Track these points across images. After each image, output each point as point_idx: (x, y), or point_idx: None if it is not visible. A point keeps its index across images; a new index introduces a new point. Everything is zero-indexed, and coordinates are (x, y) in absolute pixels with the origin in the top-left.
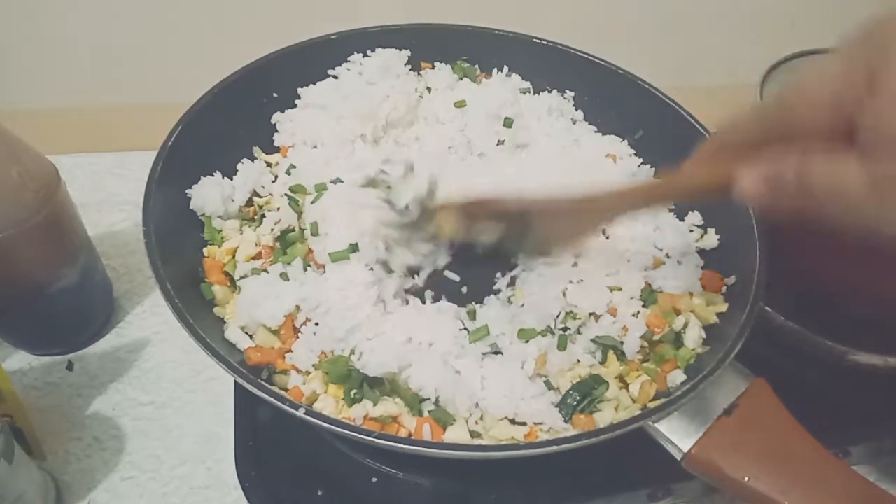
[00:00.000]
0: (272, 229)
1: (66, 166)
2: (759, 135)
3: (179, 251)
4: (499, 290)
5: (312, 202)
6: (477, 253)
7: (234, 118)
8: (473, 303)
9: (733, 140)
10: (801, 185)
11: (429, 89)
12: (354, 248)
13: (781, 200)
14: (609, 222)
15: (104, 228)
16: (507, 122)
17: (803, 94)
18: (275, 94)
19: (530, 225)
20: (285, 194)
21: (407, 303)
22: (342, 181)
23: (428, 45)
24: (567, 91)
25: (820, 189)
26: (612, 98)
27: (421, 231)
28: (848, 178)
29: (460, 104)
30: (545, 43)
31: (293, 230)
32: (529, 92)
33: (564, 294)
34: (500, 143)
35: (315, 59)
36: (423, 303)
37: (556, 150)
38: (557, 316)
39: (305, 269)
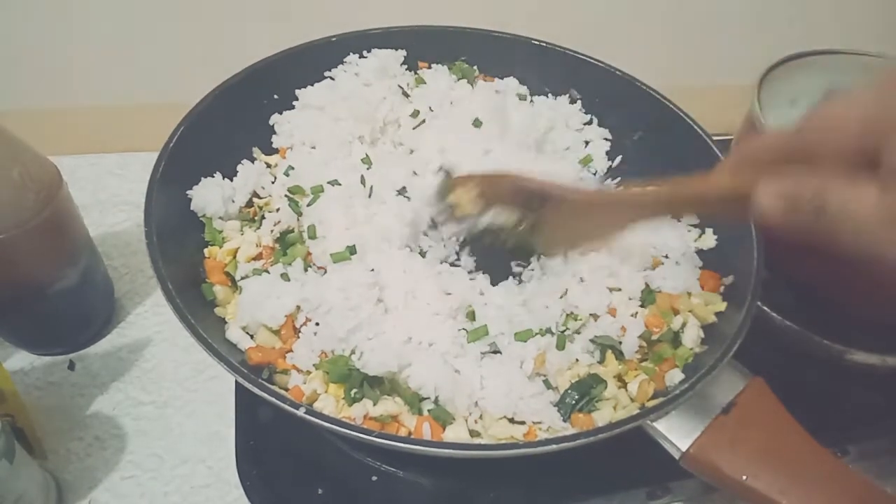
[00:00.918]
0: (272, 230)
1: (68, 167)
2: (781, 153)
3: (181, 251)
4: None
5: (309, 205)
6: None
7: (236, 119)
8: (472, 304)
9: (756, 155)
10: (818, 205)
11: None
12: (352, 250)
13: (795, 218)
14: (623, 229)
15: (106, 229)
16: (477, 123)
17: (831, 118)
18: (276, 96)
19: (544, 218)
20: (285, 195)
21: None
22: (340, 183)
23: (428, 47)
24: (563, 96)
25: (835, 211)
26: (610, 100)
27: (440, 204)
28: (864, 204)
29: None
30: (544, 45)
31: (293, 231)
32: (526, 98)
33: (566, 293)
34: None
35: (316, 61)
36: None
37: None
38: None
39: (306, 270)
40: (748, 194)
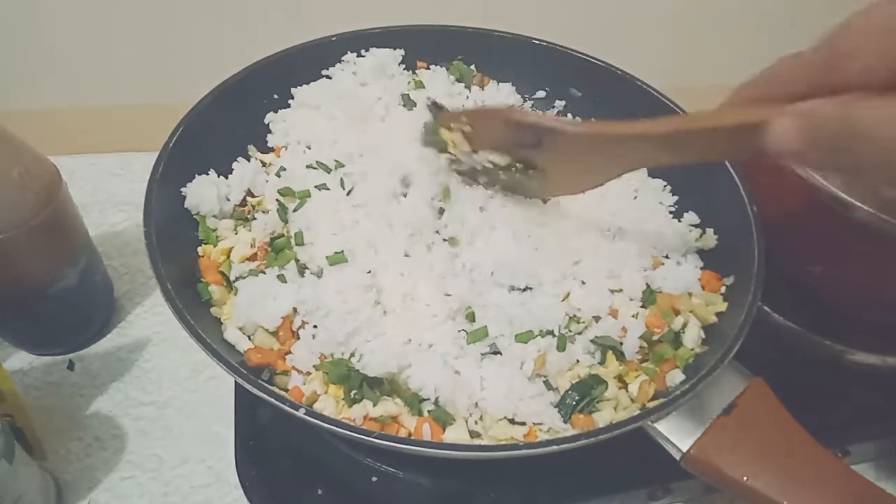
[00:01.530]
0: (263, 231)
1: (68, 167)
2: (805, 87)
3: (180, 251)
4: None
5: (295, 210)
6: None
7: (236, 119)
8: (471, 305)
9: (776, 92)
10: (846, 122)
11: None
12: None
13: (817, 144)
14: (620, 172)
15: (105, 229)
16: None
17: (861, 37)
18: (275, 96)
19: (539, 158)
20: (276, 199)
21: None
22: (328, 188)
23: (428, 46)
24: (559, 100)
25: (867, 125)
26: (610, 99)
27: (429, 140)
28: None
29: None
30: (544, 44)
31: (281, 236)
32: (524, 101)
33: (568, 296)
34: None
35: (315, 61)
36: None
37: None
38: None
39: (302, 274)
40: (759, 123)
